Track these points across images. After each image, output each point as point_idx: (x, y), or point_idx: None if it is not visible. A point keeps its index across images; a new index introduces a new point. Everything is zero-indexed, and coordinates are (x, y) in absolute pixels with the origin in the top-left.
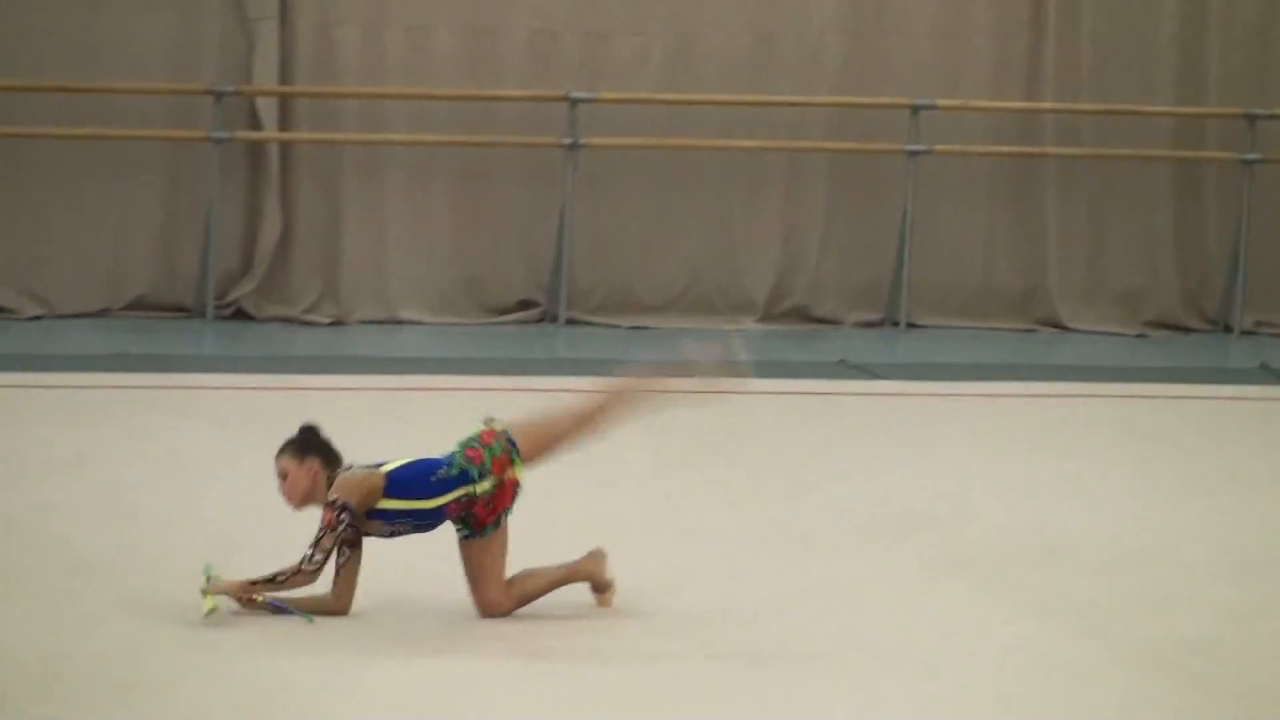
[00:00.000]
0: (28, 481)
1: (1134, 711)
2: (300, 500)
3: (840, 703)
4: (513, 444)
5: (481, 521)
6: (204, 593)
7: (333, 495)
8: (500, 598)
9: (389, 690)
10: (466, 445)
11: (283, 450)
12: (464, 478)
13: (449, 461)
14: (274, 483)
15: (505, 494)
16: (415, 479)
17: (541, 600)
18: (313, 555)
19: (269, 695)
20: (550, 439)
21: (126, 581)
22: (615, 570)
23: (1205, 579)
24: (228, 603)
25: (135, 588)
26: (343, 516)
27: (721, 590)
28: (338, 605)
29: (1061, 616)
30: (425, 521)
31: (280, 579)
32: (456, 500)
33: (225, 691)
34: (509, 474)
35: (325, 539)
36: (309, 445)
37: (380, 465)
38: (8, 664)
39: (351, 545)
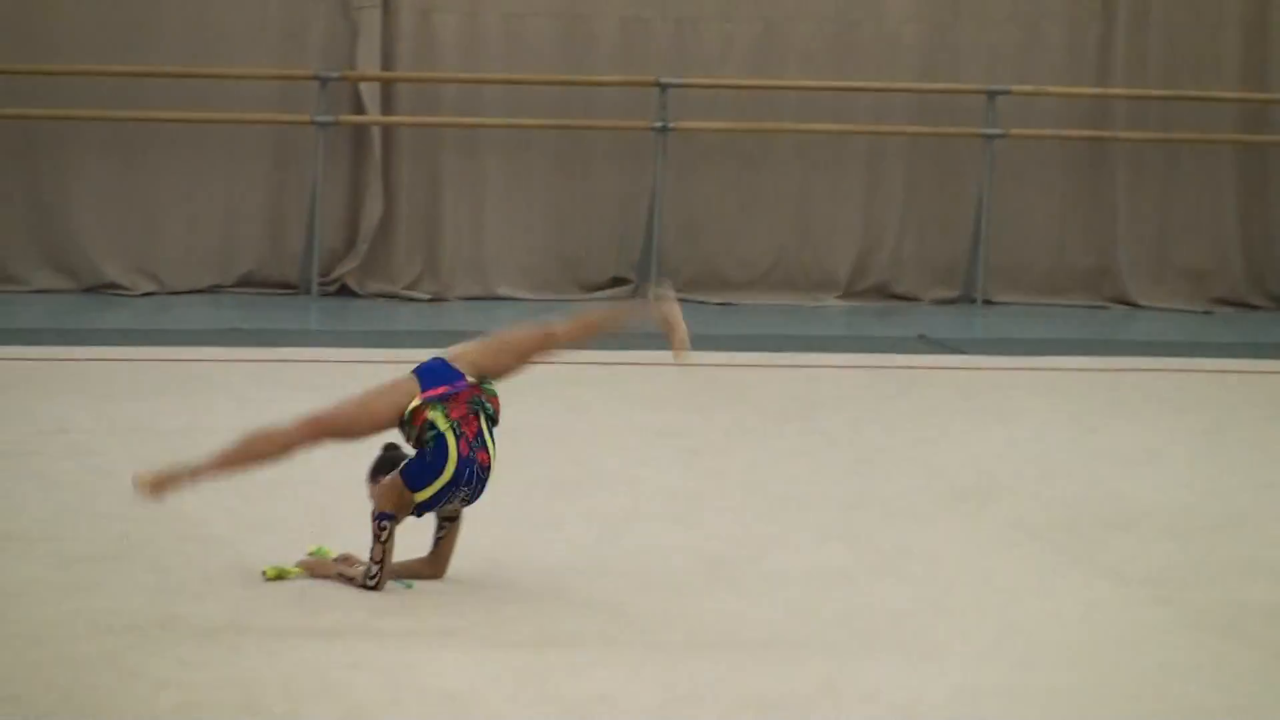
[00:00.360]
0: (143, 452)
1: (1206, 675)
2: (395, 507)
3: (920, 662)
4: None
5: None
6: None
7: (373, 508)
8: None
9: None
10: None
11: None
12: (450, 430)
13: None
14: (374, 453)
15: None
16: (422, 465)
17: (629, 569)
18: (369, 570)
19: (366, 653)
20: (510, 360)
21: (234, 548)
22: (704, 539)
23: (1275, 546)
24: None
25: (242, 554)
26: (384, 524)
27: (807, 555)
28: (433, 572)
29: (1135, 582)
30: (464, 482)
31: (353, 582)
32: (458, 441)
33: (328, 652)
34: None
35: (375, 551)
36: (377, 466)
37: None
38: (124, 625)
39: (450, 519)
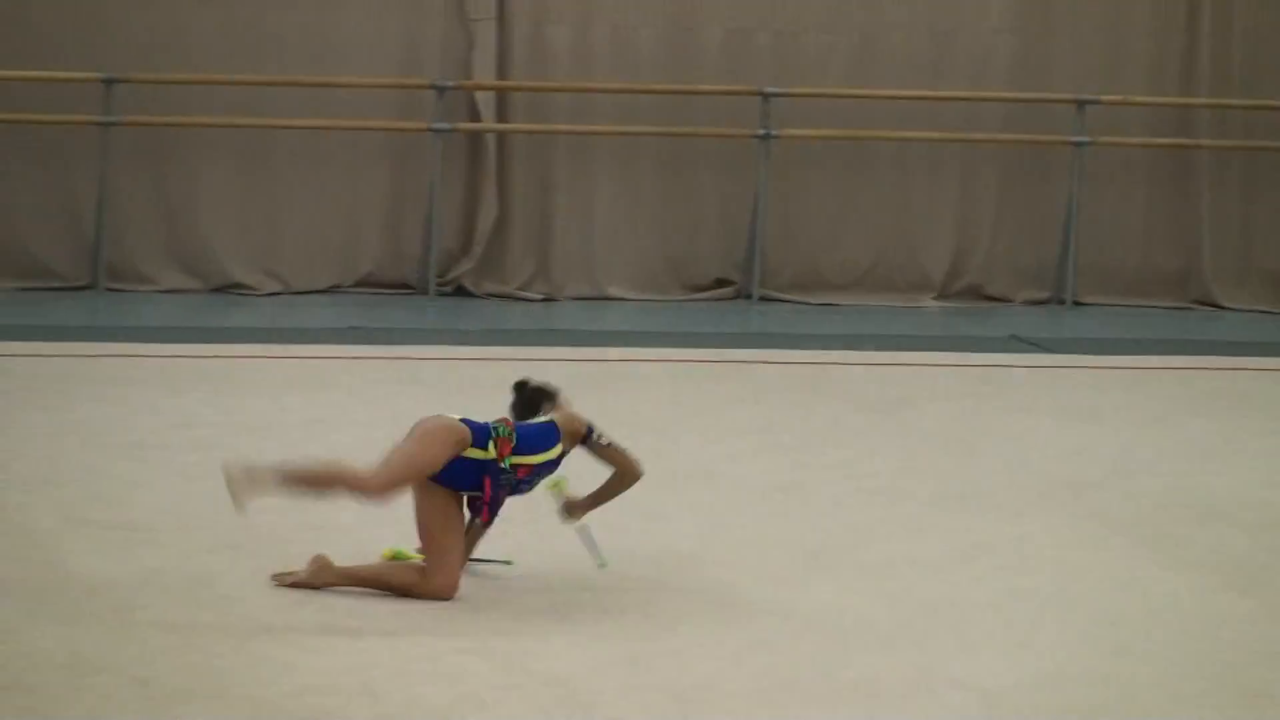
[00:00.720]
0: (267, 444)
1: None
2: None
3: (1010, 650)
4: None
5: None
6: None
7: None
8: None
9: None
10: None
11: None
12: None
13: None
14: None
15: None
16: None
17: (731, 560)
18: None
19: (479, 639)
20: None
21: (354, 538)
22: (803, 530)
23: None
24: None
25: (362, 544)
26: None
27: (902, 546)
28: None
29: (1217, 573)
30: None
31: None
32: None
33: (441, 638)
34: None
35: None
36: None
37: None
38: (248, 612)
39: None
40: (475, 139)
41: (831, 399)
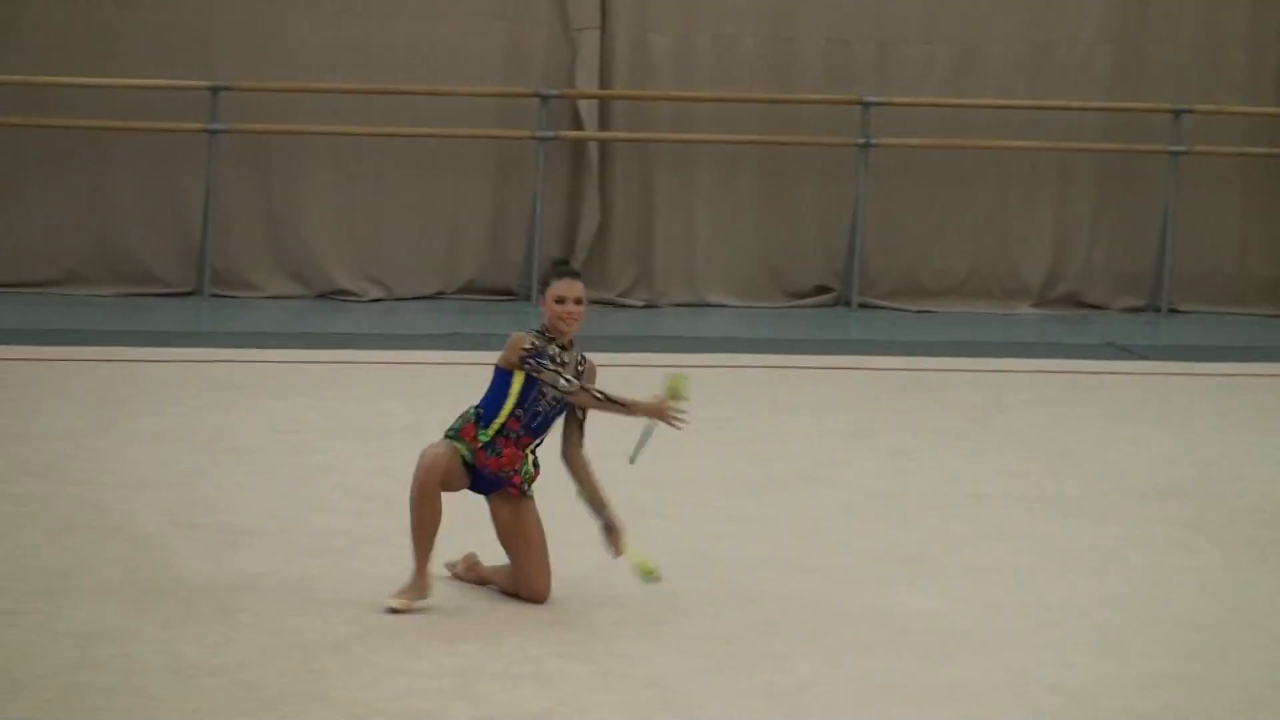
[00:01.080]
0: (370, 449)
1: None
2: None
3: (1102, 654)
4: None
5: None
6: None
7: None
8: None
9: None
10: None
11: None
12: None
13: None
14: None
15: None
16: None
17: (828, 564)
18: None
19: (577, 643)
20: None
21: (454, 541)
22: (900, 535)
23: None
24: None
25: (463, 548)
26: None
27: (996, 551)
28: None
29: None
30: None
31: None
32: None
33: (540, 642)
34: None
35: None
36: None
37: None
38: (348, 615)
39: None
40: (577, 147)
41: (928, 405)
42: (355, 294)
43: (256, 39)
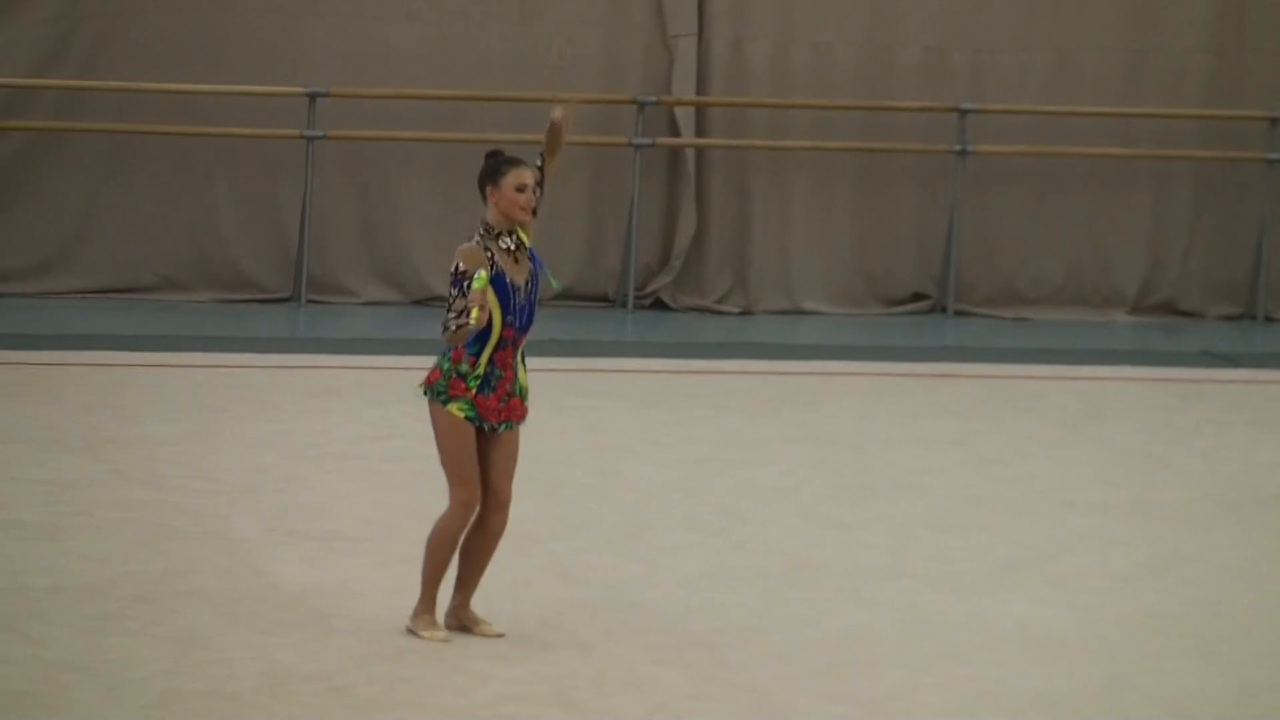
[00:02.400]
0: None
1: None
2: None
3: (1198, 661)
4: None
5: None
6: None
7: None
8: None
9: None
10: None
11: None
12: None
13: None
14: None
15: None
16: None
17: (922, 572)
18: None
19: (672, 650)
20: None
21: (547, 548)
22: (994, 542)
23: None
24: None
25: (557, 553)
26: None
27: (1091, 558)
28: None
29: None
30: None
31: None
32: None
33: (635, 648)
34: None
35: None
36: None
37: None
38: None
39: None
40: (674, 154)
41: (1025, 412)
42: None
43: (354, 46)
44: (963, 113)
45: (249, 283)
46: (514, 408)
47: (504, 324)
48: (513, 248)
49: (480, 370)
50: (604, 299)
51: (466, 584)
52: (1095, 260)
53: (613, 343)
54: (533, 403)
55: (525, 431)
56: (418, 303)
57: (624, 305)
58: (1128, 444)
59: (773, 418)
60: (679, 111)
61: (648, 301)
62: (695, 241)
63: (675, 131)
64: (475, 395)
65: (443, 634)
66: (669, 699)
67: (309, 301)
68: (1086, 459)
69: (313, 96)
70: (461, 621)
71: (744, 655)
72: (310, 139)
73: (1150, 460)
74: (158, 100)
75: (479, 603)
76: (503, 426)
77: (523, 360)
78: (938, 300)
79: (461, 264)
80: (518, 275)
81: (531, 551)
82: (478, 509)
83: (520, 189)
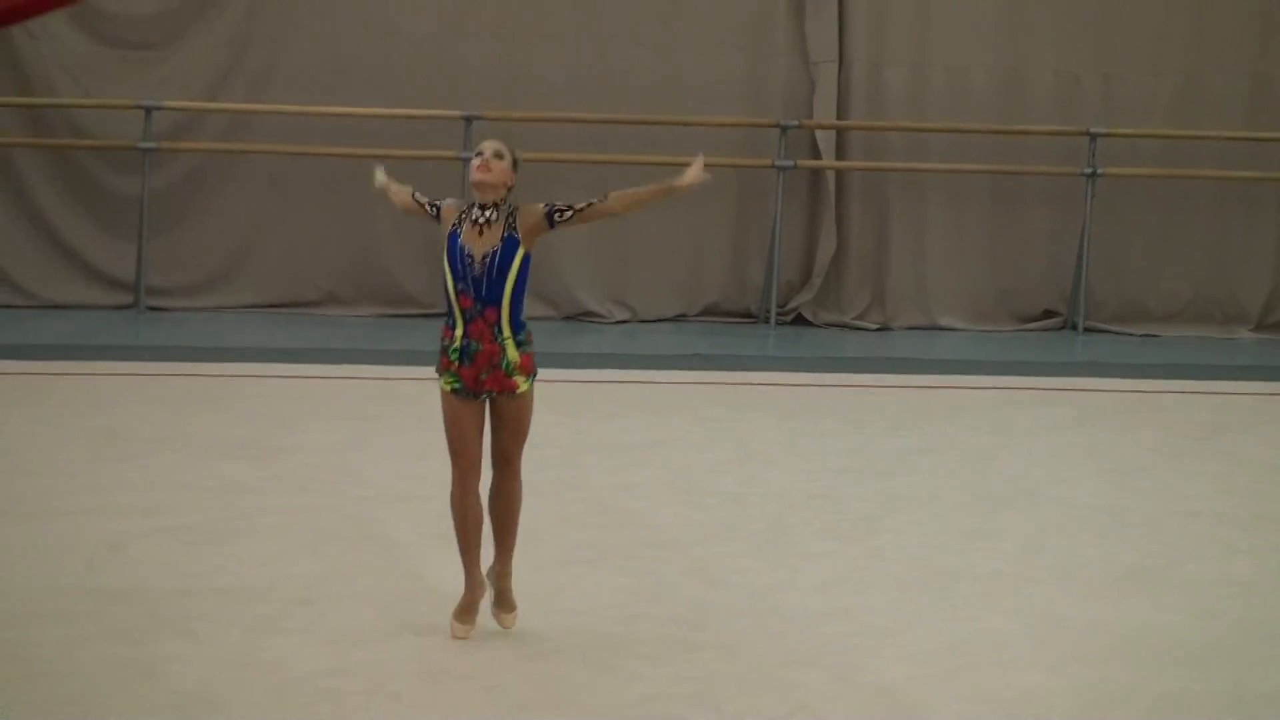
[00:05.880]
0: (612, 464)
1: None
2: (495, 185)
3: None
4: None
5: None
6: None
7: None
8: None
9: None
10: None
11: (501, 144)
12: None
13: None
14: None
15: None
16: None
17: (1052, 577)
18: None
19: (811, 652)
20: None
21: (690, 553)
22: (1121, 549)
23: None
24: None
25: (702, 558)
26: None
27: (1215, 566)
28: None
29: None
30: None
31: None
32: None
33: (776, 650)
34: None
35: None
36: (517, 164)
37: None
38: (592, 623)
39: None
40: (815, 175)
41: (1151, 425)
42: (601, 316)
43: (506, 72)
44: (1093, 136)
45: (407, 298)
46: (499, 380)
47: (457, 291)
48: (482, 220)
49: (457, 344)
50: (747, 315)
51: (501, 547)
52: (1220, 279)
53: (756, 357)
54: (674, 415)
55: (672, 442)
56: (569, 318)
57: (766, 321)
58: (1250, 456)
59: (908, 430)
60: (820, 135)
61: (789, 317)
62: (835, 260)
63: (816, 154)
64: (458, 368)
65: (461, 632)
66: (809, 699)
67: None
68: (1210, 470)
69: (468, 119)
70: (498, 589)
71: (879, 658)
72: (467, 160)
73: (1272, 472)
74: (321, 123)
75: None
76: (499, 395)
77: (514, 336)
78: (1068, 317)
79: (440, 201)
80: (475, 245)
81: (677, 557)
82: (491, 476)
83: (477, 154)
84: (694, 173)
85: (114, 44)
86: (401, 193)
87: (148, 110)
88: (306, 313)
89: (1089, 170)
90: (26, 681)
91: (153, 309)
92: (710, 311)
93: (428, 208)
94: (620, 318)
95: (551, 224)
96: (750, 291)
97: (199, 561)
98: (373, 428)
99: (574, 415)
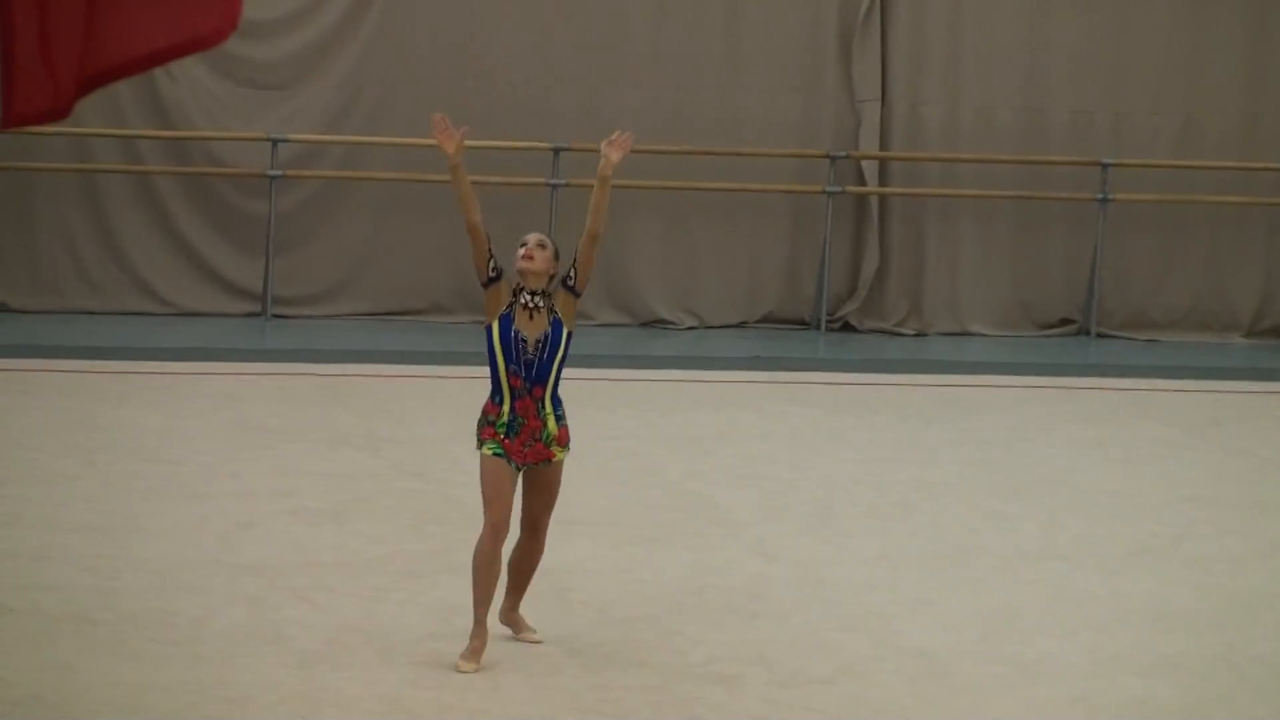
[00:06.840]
0: (682, 453)
1: None
2: (539, 273)
3: None
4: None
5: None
6: None
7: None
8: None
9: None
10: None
11: (544, 236)
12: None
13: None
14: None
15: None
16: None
17: (1067, 554)
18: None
19: (856, 619)
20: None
21: (752, 532)
22: (1128, 529)
23: None
24: None
25: (759, 537)
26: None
27: (1211, 544)
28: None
29: None
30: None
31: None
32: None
33: (826, 618)
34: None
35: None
36: (558, 255)
37: None
38: (664, 593)
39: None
40: (860, 200)
41: (1155, 419)
42: (672, 323)
43: (590, 108)
44: (1104, 166)
45: None
46: (539, 452)
47: (508, 372)
48: (531, 305)
49: (504, 419)
50: (801, 322)
51: (514, 591)
52: (1216, 291)
53: (807, 359)
54: (737, 410)
55: (734, 434)
56: (644, 324)
57: (817, 327)
58: (1242, 447)
59: (941, 423)
60: (865, 164)
61: (837, 324)
62: (877, 274)
63: (861, 181)
64: (503, 439)
65: (471, 667)
66: (851, 660)
67: None
68: (1206, 460)
69: (556, 150)
70: (510, 622)
71: (915, 624)
72: (554, 186)
73: (1261, 461)
74: (427, 153)
75: (544, 608)
76: (536, 465)
77: (554, 412)
78: (1082, 324)
79: (503, 266)
80: (528, 330)
81: (738, 534)
82: (518, 534)
83: (522, 245)
84: (606, 150)
85: (245, 84)
86: (470, 197)
87: (274, 142)
88: (414, 320)
89: (1101, 196)
90: (169, 644)
91: (278, 317)
92: (768, 319)
93: (490, 256)
94: (689, 324)
95: (573, 291)
96: (803, 301)
97: (320, 538)
98: (472, 422)
99: (648, 411)
